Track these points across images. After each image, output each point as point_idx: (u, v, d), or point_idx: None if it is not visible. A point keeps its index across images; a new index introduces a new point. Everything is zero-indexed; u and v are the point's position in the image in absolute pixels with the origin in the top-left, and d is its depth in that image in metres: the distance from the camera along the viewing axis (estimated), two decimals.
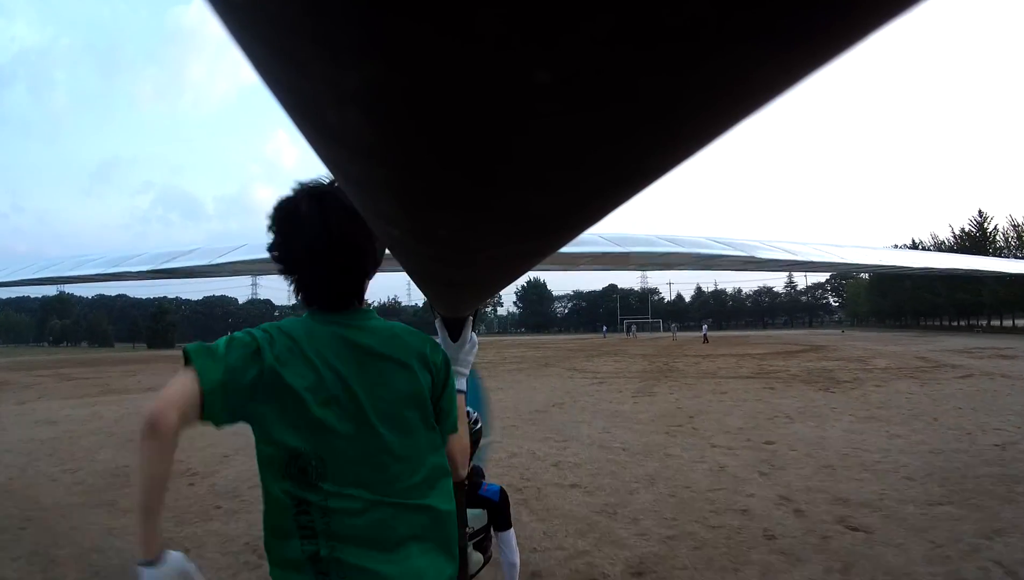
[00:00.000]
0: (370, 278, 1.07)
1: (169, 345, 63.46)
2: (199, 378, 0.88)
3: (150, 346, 63.00)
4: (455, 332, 1.42)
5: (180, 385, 0.88)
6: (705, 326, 33.32)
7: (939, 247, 50.42)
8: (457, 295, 0.96)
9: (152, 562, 0.84)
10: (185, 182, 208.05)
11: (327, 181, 1.02)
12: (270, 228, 1.02)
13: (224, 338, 0.97)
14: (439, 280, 0.81)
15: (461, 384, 1.33)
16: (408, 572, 0.95)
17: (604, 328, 54.07)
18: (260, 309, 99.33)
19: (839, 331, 54.90)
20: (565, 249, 0.55)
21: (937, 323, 55.47)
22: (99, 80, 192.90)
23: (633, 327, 50.95)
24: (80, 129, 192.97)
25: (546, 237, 0.44)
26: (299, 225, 0.99)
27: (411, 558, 0.96)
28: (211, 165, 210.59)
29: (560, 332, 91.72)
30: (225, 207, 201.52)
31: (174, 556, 0.87)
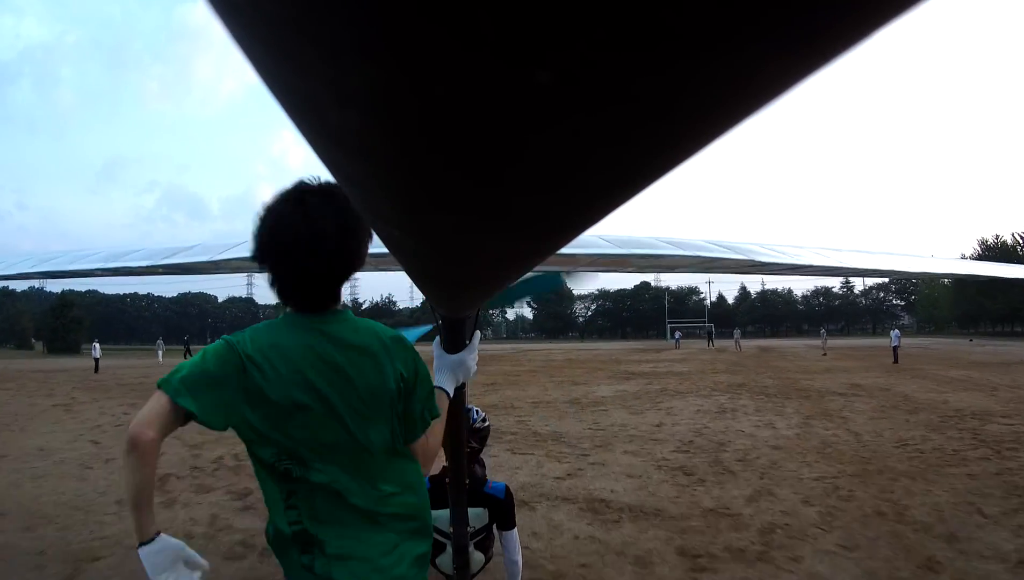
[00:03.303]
0: (347, 280, 1.10)
1: (73, 349, 47.45)
2: (167, 394, 1.00)
3: (50, 350, 47.20)
4: (455, 334, 1.41)
5: (152, 404, 1.00)
6: (896, 333, 19.32)
7: None
8: (457, 295, 0.96)
9: (147, 542, 0.98)
10: (191, 181, 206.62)
11: (315, 181, 1.05)
12: (257, 228, 1.05)
13: (199, 353, 1.07)
14: (439, 280, 0.81)
15: (446, 384, 1.33)
16: (381, 552, 1.04)
17: (677, 335, 39.81)
18: (240, 307, 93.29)
19: (967, 340, 41.65)
20: (564, 250, 0.55)
21: None
22: (105, 78, 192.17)
23: (736, 334, 34.15)
24: (85, 127, 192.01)
25: (546, 237, 0.44)
26: (279, 225, 1.03)
27: (384, 540, 1.05)
28: (217, 164, 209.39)
29: (583, 338, 75.85)
30: (231, 207, 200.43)
31: (167, 537, 1.00)
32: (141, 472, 0.96)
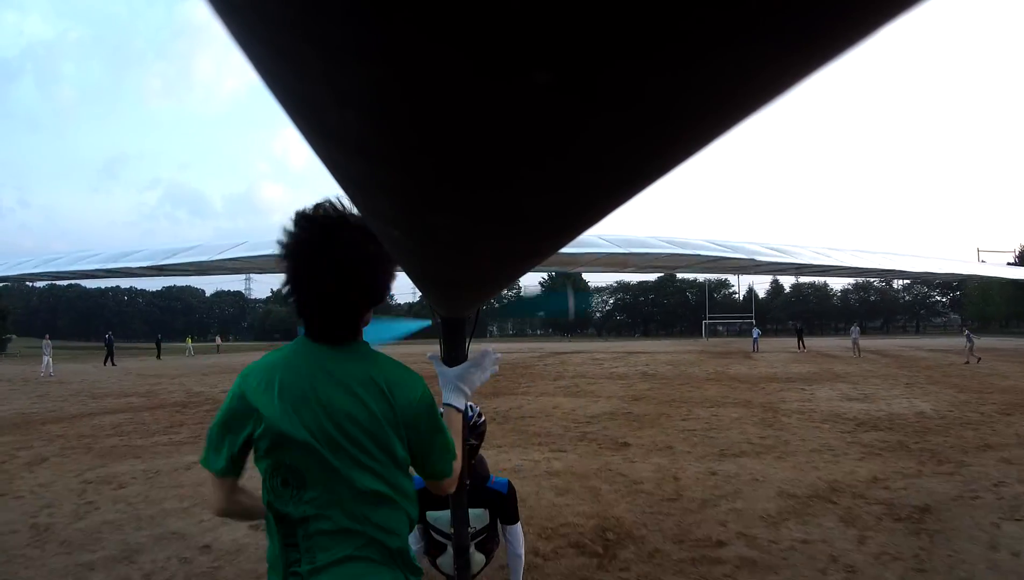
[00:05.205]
0: (368, 312, 1.10)
1: None
2: (210, 470, 1.11)
3: None
4: (455, 334, 1.41)
5: (209, 488, 1.13)
6: None
7: None
8: (456, 296, 0.96)
9: None
10: (193, 179, 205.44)
11: (340, 208, 1.03)
12: (284, 249, 1.03)
13: (213, 423, 1.10)
14: (438, 280, 0.81)
15: (455, 401, 1.30)
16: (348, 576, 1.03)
17: (756, 334, 30.21)
18: (229, 302, 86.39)
19: None
20: (565, 250, 0.55)
21: None
22: (107, 75, 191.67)
23: (855, 332, 20.10)
24: (87, 124, 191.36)
25: (546, 238, 0.44)
26: (306, 255, 1.02)
27: (351, 567, 1.04)
28: (219, 162, 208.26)
29: (601, 335, 68.17)
30: (233, 205, 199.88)
31: None
32: (247, 517, 1.17)
